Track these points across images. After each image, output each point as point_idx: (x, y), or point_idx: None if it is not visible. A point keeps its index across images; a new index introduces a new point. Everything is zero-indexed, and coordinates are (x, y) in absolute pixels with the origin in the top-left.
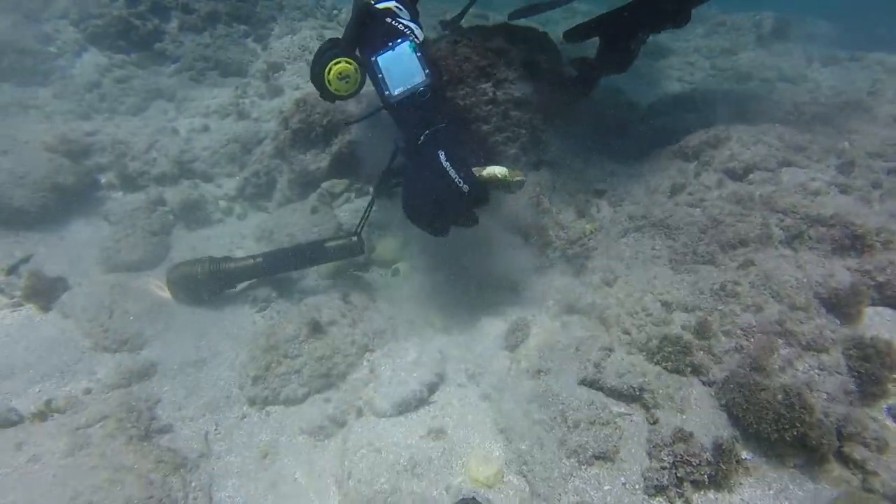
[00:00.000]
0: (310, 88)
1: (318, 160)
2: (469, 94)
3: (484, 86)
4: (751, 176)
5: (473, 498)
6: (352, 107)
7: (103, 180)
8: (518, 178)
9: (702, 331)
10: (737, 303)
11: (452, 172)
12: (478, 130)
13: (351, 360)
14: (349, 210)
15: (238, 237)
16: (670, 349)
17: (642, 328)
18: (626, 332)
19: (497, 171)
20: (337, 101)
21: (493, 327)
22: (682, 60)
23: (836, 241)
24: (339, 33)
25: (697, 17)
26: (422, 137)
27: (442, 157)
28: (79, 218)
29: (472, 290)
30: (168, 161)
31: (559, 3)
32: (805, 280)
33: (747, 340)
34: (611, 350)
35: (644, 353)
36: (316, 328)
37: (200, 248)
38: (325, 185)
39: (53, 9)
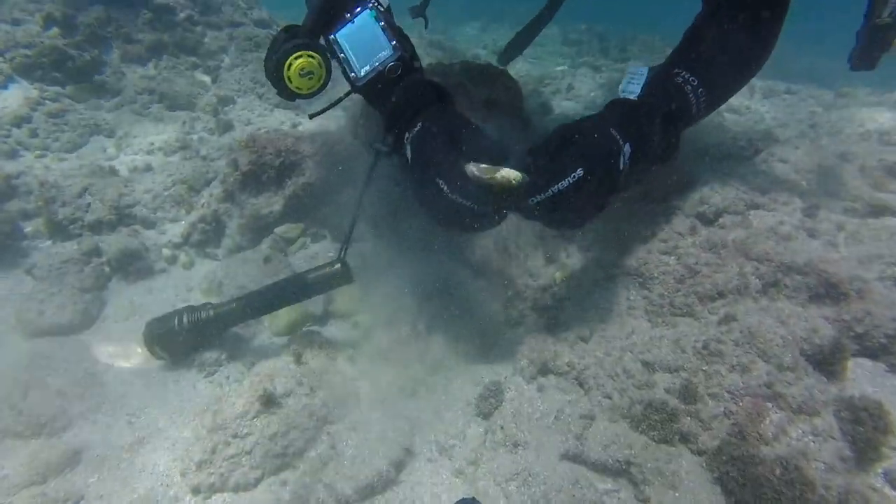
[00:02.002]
0: (260, 123)
1: (270, 203)
2: None
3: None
4: (721, 220)
5: (473, 498)
6: (305, 147)
7: (27, 228)
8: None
9: (687, 394)
10: (722, 363)
11: (463, 202)
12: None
13: (310, 434)
14: (305, 257)
15: (184, 289)
16: (656, 417)
17: (624, 392)
18: (608, 397)
19: (512, 176)
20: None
21: (464, 391)
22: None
23: (812, 290)
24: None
25: (646, 49)
26: (407, 138)
27: (443, 185)
28: None
29: (438, 347)
30: (104, 206)
31: (538, 31)
32: (790, 337)
33: (736, 404)
34: (592, 418)
35: (628, 421)
36: (269, 401)
37: (141, 303)
38: (278, 230)
39: None
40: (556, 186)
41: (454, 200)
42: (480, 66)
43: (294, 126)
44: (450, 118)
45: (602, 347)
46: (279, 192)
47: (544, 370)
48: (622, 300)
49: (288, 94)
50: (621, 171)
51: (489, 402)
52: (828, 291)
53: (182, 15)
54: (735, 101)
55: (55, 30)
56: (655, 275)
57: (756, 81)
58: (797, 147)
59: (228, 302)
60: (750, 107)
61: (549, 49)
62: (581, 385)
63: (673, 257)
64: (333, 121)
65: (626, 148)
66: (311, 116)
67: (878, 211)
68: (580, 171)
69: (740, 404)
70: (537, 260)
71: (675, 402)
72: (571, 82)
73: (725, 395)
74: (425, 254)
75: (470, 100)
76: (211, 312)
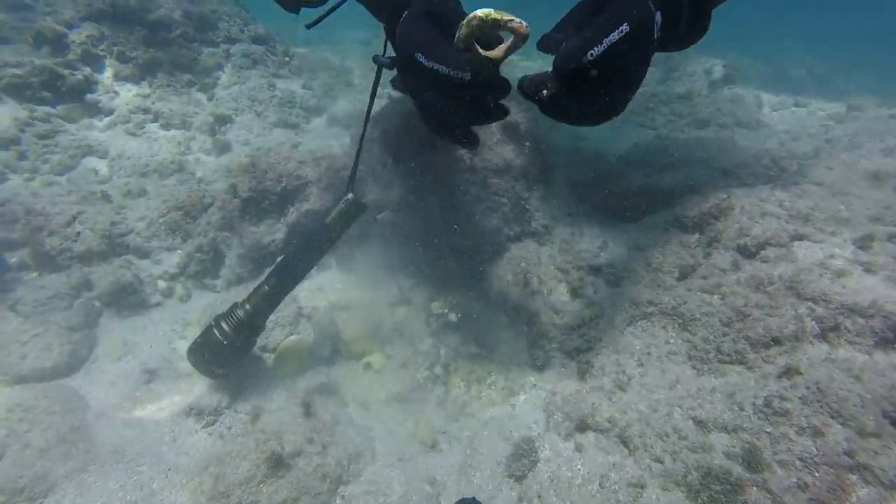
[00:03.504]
0: (259, 143)
1: (272, 231)
2: (444, 164)
3: (460, 152)
4: (763, 253)
5: (473, 498)
6: (308, 171)
7: (12, 260)
8: (513, 23)
9: (752, 461)
10: (789, 424)
11: (442, 68)
12: (455, 201)
13: (323, 499)
14: (310, 288)
15: (180, 324)
16: (717, 487)
17: (676, 455)
18: (658, 461)
19: (479, 13)
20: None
21: (492, 447)
22: (640, 105)
23: (878, 334)
24: (290, 82)
25: (651, 69)
26: (399, 29)
27: (421, 58)
28: None
29: (459, 391)
30: (95, 235)
31: None
32: (869, 396)
33: (811, 475)
34: (643, 486)
35: (684, 490)
36: (277, 463)
37: (135, 341)
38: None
39: None
40: (609, 37)
41: (435, 70)
42: None
43: (294, 146)
44: (434, 2)
45: (644, 399)
46: (281, 219)
47: (582, 426)
48: (660, 343)
49: (292, 3)
50: (654, 39)
51: (522, 463)
52: None
53: (177, 31)
54: (744, 114)
55: (46, 48)
56: (697, 315)
57: (763, 94)
58: (830, 168)
59: (258, 289)
60: (760, 120)
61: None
62: (625, 444)
63: (717, 296)
64: (337, 144)
65: (658, 17)
66: (308, 27)
67: None
68: (626, 26)
69: (817, 475)
70: (561, 294)
71: (738, 470)
72: None
73: (797, 462)
74: (440, 289)
75: (485, 127)
76: (247, 307)
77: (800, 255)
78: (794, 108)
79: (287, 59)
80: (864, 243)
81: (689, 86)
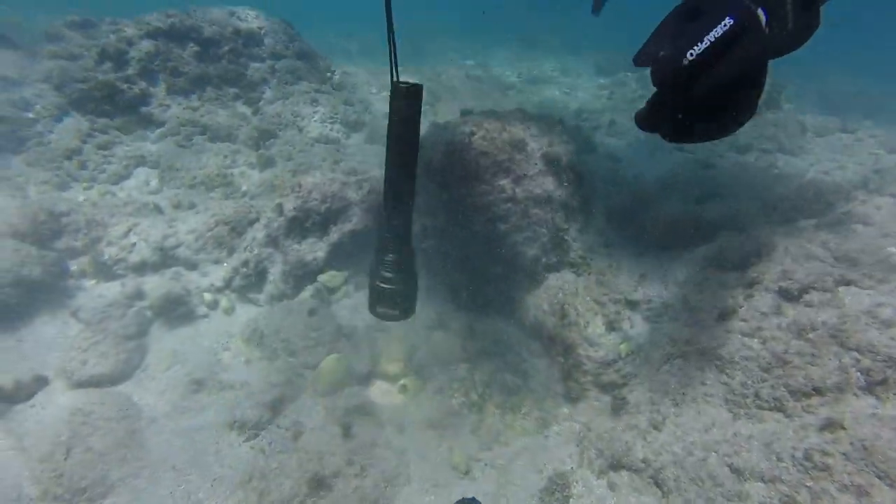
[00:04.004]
0: (301, 158)
1: (314, 250)
2: (487, 192)
3: (502, 182)
4: (807, 297)
5: (473, 498)
6: (352, 193)
7: (73, 267)
8: None
9: None
10: (830, 479)
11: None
12: (495, 230)
13: None
14: (349, 306)
15: (224, 336)
16: None
17: (712, 502)
18: None
19: None
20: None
21: (525, 478)
22: None
23: None
24: (332, 97)
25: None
26: None
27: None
28: (43, 313)
29: (493, 419)
30: (149, 247)
31: None
32: None
33: None
34: None
35: None
36: (318, 484)
37: (182, 350)
38: (321, 278)
39: (35, 72)
40: (710, 34)
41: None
42: (536, 114)
43: (336, 162)
44: None
45: (679, 441)
46: (324, 238)
47: (615, 464)
48: (696, 383)
49: None
50: (764, 32)
51: (555, 497)
52: None
53: (226, 48)
54: (787, 140)
55: (108, 64)
56: (736, 359)
57: (808, 117)
58: (879, 207)
59: (383, 237)
60: (803, 146)
61: (584, 80)
62: (659, 486)
63: (756, 340)
64: (377, 161)
65: (761, 13)
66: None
67: None
68: (729, 20)
69: None
70: (597, 326)
71: None
72: (613, 117)
73: None
74: (478, 313)
75: (528, 156)
76: (387, 235)
77: (846, 302)
78: (840, 134)
79: (329, 74)
80: None
81: None
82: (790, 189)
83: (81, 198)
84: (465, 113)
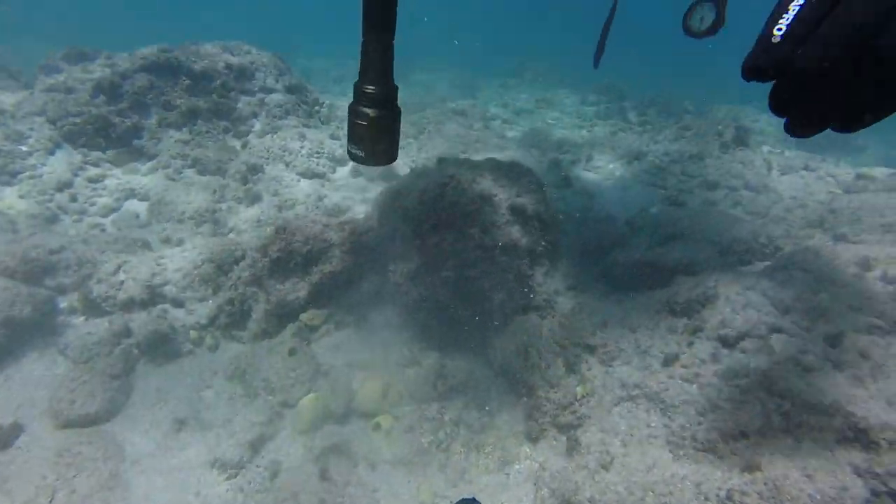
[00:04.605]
0: (287, 194)
1: (296, 289)
2: (458, 240)
3: (472, 231)
4: (742, 343)
5: (473, 498)
6: (333, 235)
7: (63, 304)
8: None
9: None
10: None
11: None
12: (465, 275)
13: None
14: (328, 345)
15: (209, 373)
16: None
17: None
18: None
19: None
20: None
21: None
22: (652, 164)
23: (839, 433)
24: (319, 132)
25: (664, 111)
26: None
27: None
28: (31, 350)
29: (458, 458)
30: (137, 285)
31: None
32: (819, 497)
33: None
34: None
35: None
36: None
37: (167, 388)
38: (303, 316)
39: (31, 105)
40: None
41: None
42: (506, 164)
43: (320, 198)
44: None
45: (623, 481)
46: (305, 278)
47: (565, 503)
48: (642, 425)
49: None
50: None
51: None
52: (856, 436)
53: (218, 82)
54: (753, 178)
55: (102, 97)
56: (677, 403)
57: (774, 155)
58: (818, 253)
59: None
60: (767, 185)
61: (569, 109)
62: None
63: (695, 386)
64: (360, 198)
65: None
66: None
67: None
68: None
69: None
70: (558, 368)
71: None
72: (591, 152)
73: None
74: (449, 351)
75: (495, 209)
76: (366, 66)
77: (777, 349)
78: (803, 172)
79: (317, 108)
80: (834, 341)
81: (702, 146)
82: (745, 232)
83: (72, 231)
84: (441, 161)
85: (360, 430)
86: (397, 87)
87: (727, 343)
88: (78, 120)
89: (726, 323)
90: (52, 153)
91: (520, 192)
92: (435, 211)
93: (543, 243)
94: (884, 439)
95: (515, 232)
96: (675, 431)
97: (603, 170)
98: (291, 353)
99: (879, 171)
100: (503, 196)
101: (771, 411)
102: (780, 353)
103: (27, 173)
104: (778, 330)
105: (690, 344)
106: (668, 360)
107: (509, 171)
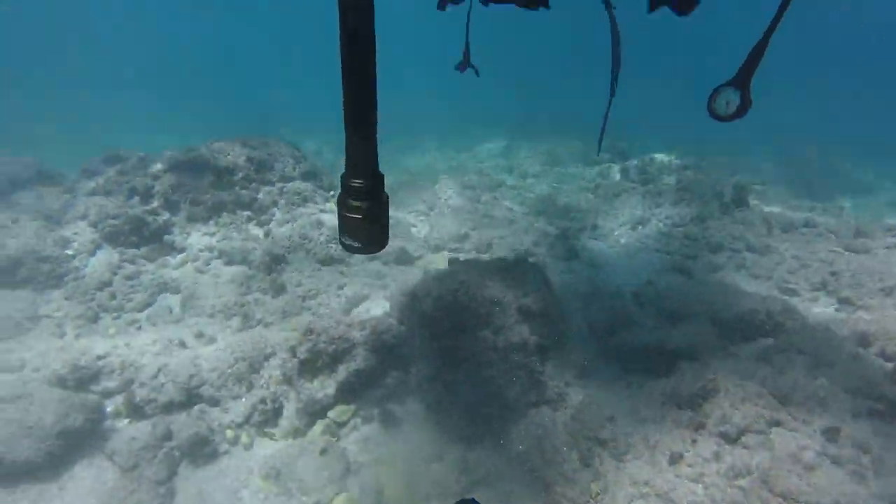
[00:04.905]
0: (309, 284)
1: (324, 387)
2: (472, 342)
3: (484, 332)
4: (744, 439)
5: (473, 499)
6: (356, 334)
7: (109, 408)
8: None
9: None
10: None
11: None
12: (480, 374)
13: None
14: (356, 440)
15: (244, 473)
16: None
17: None
18: None
19: None
20: None
21: None
22: (656, 230)
23: None
24: (335, 216)
25: (664, 169)
26: None
27: None
28: (82, 457)
29: None
30: (176, 387)
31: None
32: None
33: None
34: None
35: None
36: None
37: (208, 491)
38: (331, 413)
39: (74, 211)
40: None
41: None
42: (512, 263)
43: (340, 287)
44: None
45: None
46: (332, 375)
47: None
48: None
49: None
50: None
51: None
52: None
53: (240, 175)
54: (754, 239)
55: (136, 198)
56: (684, 503)
57: (772, 209)
58: (814, 335)
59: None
60: (769, 245)
61: (572, 172)
62: None
63: (700, 486)
64: (379, 283)
65: None
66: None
67: None
68: None
69: None
70: (573, 462)
71: None
72: (595, 220)
73: None
74: (470, 445)
75: (504, 311)
76: (352, 161)
77: (777, 445)
78: (804, 230)
79: (332, 193)
80: (831, 435)
81: (702, 208)
82: (746, 310)
83: (112, 330)
84: (453, 262)
85: None
86: (383, 176)
87: (729, 439)
88: (116, 222)
89: (726, 419)
90: (93, 254)
91: (526, 291)
92: (449, 316)
93: (551, 338)
94: None
95: (524, 331)
96: None
97: (609, 237)
98: (322, 452)
99: (878, 227)
100: (511, 297)
101: None
102: (779, 448)
103: (71, 275)
104: (777, 423)
105: (694, 441)
106: (674, 459)
107: (515, 270)
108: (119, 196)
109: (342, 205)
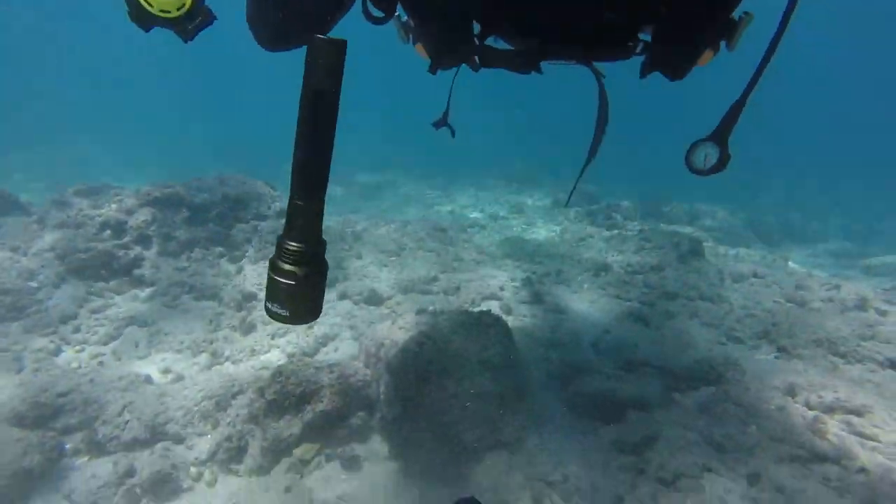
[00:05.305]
0: (280, 327)
1: (290, 427)
2: (433, 391)
3: (446, 382)
4: (678, 483)
5: (472, 497)
6: (323, 377)
7: (68, 446)
8: None
9: None
10: None
11: None
12: (440, 420)
13: None
14: (321, 477)
15: None
16: None
17: None
18: None
19: None
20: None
21: None
22: (617, 278)
23: None
24: None
25: (630, 215)
26: None
27: None
28: (35, 499)
29: None
30: (141, 425)
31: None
32: None
33: None
34: None
35: None
36: None
37: None
38: (296, 452)
39: (42, 242)
40: None
41: None
42: (476, 316)
43: (310, 326)
44: None
45: None
46: (298, 415)
47: None
48: None
49: (145, 17)
50: None
51: None
52: None
53: (214, 212)
54: (707, 289)
55: (108, 232)
56: None
57: (727, 265)
58: (748, 388)
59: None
60: (721, 294)
61: (541, 214)
62: None
63: None
64: (346, 324)
65: None
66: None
67: (820, 457)
68: None
69: None
70: (526, 502)
71: None
72: (560, 266)
73: None
74: (431, 485)
75: (466, 360)
76: (293, 222)
77: (706, 488)
78: (753, 280)
79: None
80: (752, 480)
81: (661, 257)
82: (691, 362)
83: (74, 364)
84: (420, 312)
85: None
86: (325, 242)
87: (665, 483)
88: (85, 256)
89: (664, 465)
90: (58, 286)
91: (487, 344)
92: (413, 367)
93: (510, 387)
94: None
95: (485, 382)
96: None
97: (572, 282)
98: (286, 490)
99: (815, 281)
100: (473, 350)
101: None
102: (708, 492)
103: (34, 308)
104: (709, 469)
105: (634, 486)
106: (616, 501)
107: (478, 324)
108: (90, 229)
109: (275, 268)
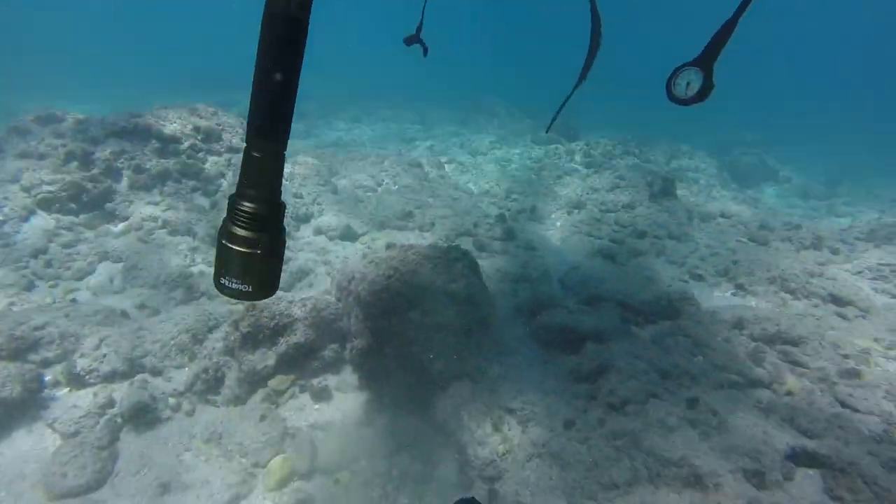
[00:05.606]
0: None
1: (265, 359)
2: (402, 322)
3: (412, 314)
4: (626, 408)
5: (472, 497)
6: (297, 310)
7: (48, 378)
8: None
9: None
10: None
11: None
12: (408, 351)
13: None
14: (294, 407)
15: (187, 437)
16: None
17: None
18: None
19: None
20: None
21: None
22: (590, 216)
23: (684, 480)
24: (284, 191)
25: (606, 173)
26: None
27: None
28: (19, 427)
29: None
30: (119, 358)
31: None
32: None
33: None
34: None
35: None
36: None
37: (150, 454)
38: (271, 383)
39: (3, 173)
40: None
41: None
42: (444, 250)
43: (285, 262)
44: None
45: None
46: (273, 348)
47: None
48: (546, 479)
49: None
50: None
51: None
52: (696, 481)
53: (186, 144)
54: (675, 228)
55: (75, 163)
56: (571, 461)
57: (698, 201)
58: (700, 321)
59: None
60: (688, 233)
61: (519, 151)
62: None
63: (585, 446)
64: (321, 259)
65: None
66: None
67: (755, 383)
68: None
69: None
70: (486, 429)
71: None
72: (535, 202)
73: None
74: (398, 412)
75: (433, 294)
76: (247, 179)
77: (650, 413)
78: (720, 220)
79: None
80: (692, 403)
81: (633, 196)
82: (651, 296)
83: (48, 299)
84: (390, 246)
85: (323, 485)
86: (286, 205)
87: (613, 407)
88: (52, 188)
89: (614, 392)
90: (25, 220)
91: (454, 277)
92: (381, 299)
93: (475, 320)
94: (712, 483)
95: (451, 314)
96: (569, 483)
97: (546, 220)
98: (262, 418)
99: (779, 222)
100: (439, 283)
101: (638, 466)
102: (651, 415)
103: (2, 241)
104: (654, 395)
105: (585, 411)
106: (568, 424)
107: (446, 257)
108: (54, 160)
109: (228, 235)
